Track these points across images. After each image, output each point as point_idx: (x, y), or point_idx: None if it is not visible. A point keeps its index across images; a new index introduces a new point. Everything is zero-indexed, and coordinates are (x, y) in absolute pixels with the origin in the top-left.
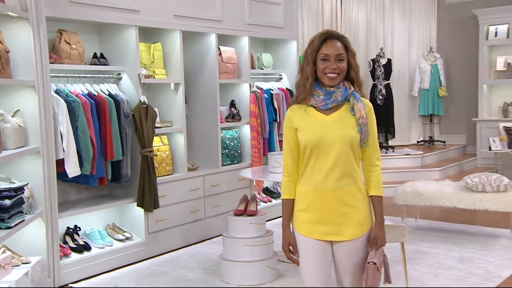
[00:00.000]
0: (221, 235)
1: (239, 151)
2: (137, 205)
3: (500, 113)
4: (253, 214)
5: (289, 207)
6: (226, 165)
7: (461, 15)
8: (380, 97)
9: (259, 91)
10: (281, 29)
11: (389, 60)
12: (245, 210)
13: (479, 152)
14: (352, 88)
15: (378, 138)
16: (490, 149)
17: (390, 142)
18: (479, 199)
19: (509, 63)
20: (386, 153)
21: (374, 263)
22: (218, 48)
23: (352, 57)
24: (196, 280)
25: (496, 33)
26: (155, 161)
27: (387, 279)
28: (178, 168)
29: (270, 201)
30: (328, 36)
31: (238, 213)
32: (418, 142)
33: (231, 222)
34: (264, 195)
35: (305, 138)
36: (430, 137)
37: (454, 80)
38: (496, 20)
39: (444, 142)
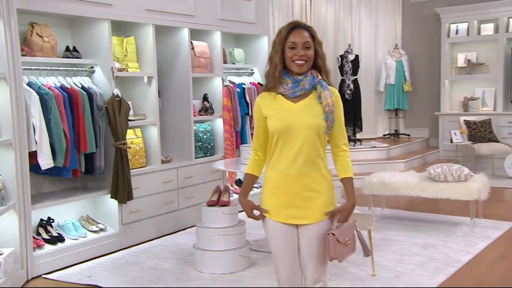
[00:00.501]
0: (194, 225)
1: (212, 144)
2: (111, 197)
3: (461, 107)
4: (226, 204)
5: (249, 181)
6: (199, 157)
7: (424, 13)
8: (348, 92)
9: (231, 85)
10: (253, 24)
11: (357, 56)
12: (218, 200)
13: (442, 144)
14: (320, 77)
15: (346, 132)
16: (451, 141)
17: (358, 136)
18: (441, 188)
19: (469, 60)
20: (354, 145)
21: (333, 234)
22: (191, 42)
23: (319, 45)
24: (169, 269)
25: (457, 31)
26: (128, 154)
27: (366, 253)
28: (152, 160)
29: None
30: (295, 26)
31: (211, 204)
32: (384, 135)
33: (205, 212)
34: (236, 186)
35: (273, 125)
36: (396, 131)
37: (417, 75)
38: (457, 19)
39: (409, 135)
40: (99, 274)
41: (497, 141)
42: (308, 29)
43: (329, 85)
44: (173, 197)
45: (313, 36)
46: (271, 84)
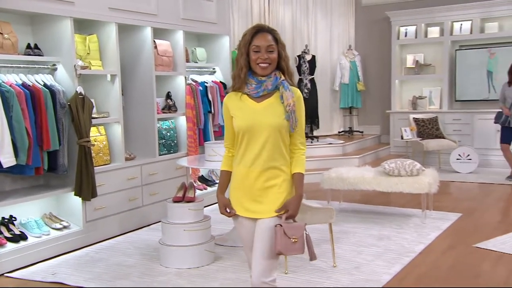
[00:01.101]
0: (158, 222)
1: (175, 141)
2: (75, 194)
3: (410, 105)
4: (191, 200)
5: (224, 177)
6: (163, 154)
7: (375, 16)
8: (306, 90)
9: (194, 83)
10: (214, 24)
11: (313, 57)
12: (184, 197)
13: (392, 141)
14: (283, 78)
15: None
16: (402, 138)
17: (315, 133)
18: (395, 182)
19: (417, 61)
20: (312, 142)
21: (281, 226)
22: (154, 41)
23: (282, 48)
24: (135, 265)
25: (406, 33)
26: (92, 151)
27: (312, 256)
28: (116, 158)
29: (205, 189)
30: (259, 29)
31: (177, 200)
32: (339, 132)
33: (170, 208)
34: (199, 183)
35: (237, 124)
36: (350, 128)
37: (370, 75)
38: (406, 22)
39: (362, 132)
40: (64, 271)
41: (443, 138)
42: (272, 32)
43: (292, 85)
44: (137, 194)
45: (276, 39)
46: (237, 85)
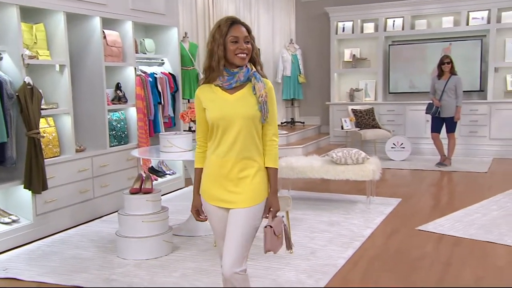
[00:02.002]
0: (110, 213)
1: (126, 133)
2: (24, 187)
3: (348, 97)
4: (149, 191)
5: (199, 175)
6: (113, 146)
7: (315, 11)
8: None
9: (143, 74)
10: (163, 16)
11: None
12: (141, 188)
13: (332, 131)
14: (254, 69)
15: None
16: (342, 128)
17: None
18: (342, 170)
19: (354, 55)
20: None
21: (271, 226)
22: (103, 31)
23: (253, 40)
24: (91, 257)
25: (343, 28)
26: (42, 143)
27: (289, 246)
28: (65, 149)
29: (156, 180)
30: (234, 21)
31: (134, 191)
32: (282, 123)
33: (127, 200)
34: (145, 173)
35: (210, 115)
36: (292, 119)
37: (310, 68)
38: (343, 17)
39: (303, 123)
40: (16, 266)
41: (379, 127)
42: (244, 24)
43: (263, 77)
44: (88, 185)
45: (248, 31)
46: (211, 76)
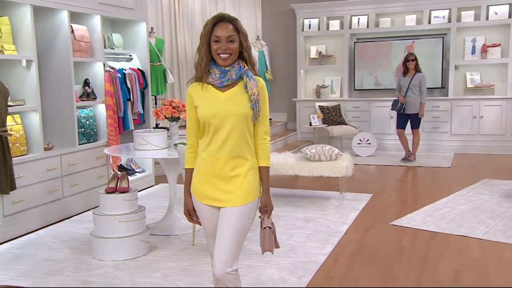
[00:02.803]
0: (80, 213)
1: (95, 130)
2: None
3: (314, 94)
4: (125, 191)
5: (189, 175)
6: (82, 144)
7: (281, 8)
8: None
9: (112, 70)
10: (131, 10)
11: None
12: (116, 187)
13: (299, 127)
14: (246, 67)
15: None
16: (310, 124)
17: None
18: (316, 167)
19: (320, 52)
20: None
21: (270, 228)
22: (71, 25)
23: (244, 38)
24: (65, 259)
25: (309, 25)
26: (9, 141)
27: (276, 245)
28: (33, 148)
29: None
30: (219, 19)
31: (110, 191)
32: None
33: (103, 199)
34: (119, 172)
35: (202, 113)
36: None
37: (277, 65)
38: (309, 15)
39: (271, 119)
40: None
41: (346, 124)
42: (233, 22)
43: (255, 75)
44: (57, 185)
45: (237, 29)
46: (199, 74)
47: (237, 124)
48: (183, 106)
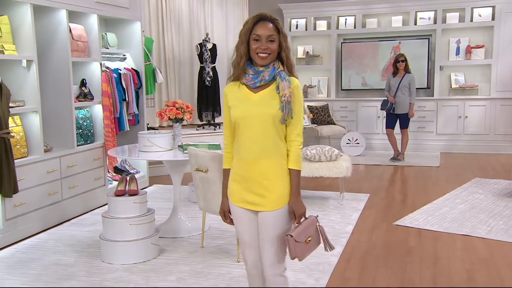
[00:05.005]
0: (79, 215)
1: (92, 131)
2: None
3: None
4: (135, 193)
5: (227, 176)
6: (80, 145)
7: (268, 8)
8: (208, 78)
9: (108, 70)
10: (126, 9)
11: (214, 45)
12: (125, 190)
13: None
14: (281, 68)
15: (206, 117)
16: None
17: (216, 120)
18: (316, 167)
19: (307, 52)
20: (215, 129)
21: (291, 236)
22: (69, 25)
23: (283, 39)
24: (74, 264)
25: (297, 25)
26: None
27: (327, 247)
28: (33, 150)
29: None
30: (261, 18)
31: (120, 194)
32: None
33: (112, 202)
34: (114, 174)
35: (234, 114)
36: None
37: None
38: (297, 15)
39: None
40: None
41: (334, 124)
42: (274, 21)
43: (291, 76)
44: (57, 187)
45: (278, 29)
46: (236, 73)
47: (267, 126)
48: (187, 107)
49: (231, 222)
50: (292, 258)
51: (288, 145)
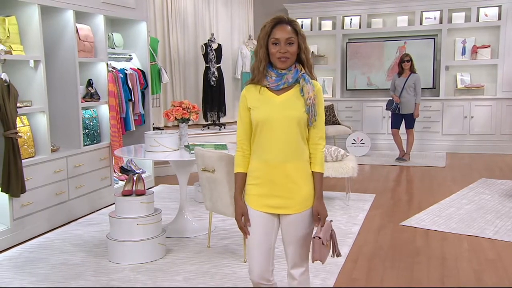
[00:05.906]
0: (86, 215)
1: (98, 131)
2: (2, 191)
3: None
4: (142, 193)
5: (241, 180)
6: (86, 145)
7: (273, 8)
8: (213, 78)
9: (114, 70)
10: (133, 9)
11: (219, 45)
12: (132, 189)
13: None
14: (303, 70)
15: (212, 117)
16: None
17: (222, 120)
18: None
19: (312, 52)
20: (220, 130)
21: (319, 238)
22: (75, 25)
23: (302, 40)
24: (82, 263)
25: (302, 25)
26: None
27: (336, 253)
28: (41, 150)
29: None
30: (278, 21)
31: (127, 194)
32: None
33: (120, 202)
34: (120, 173)
35: (256, 116)
36: None
37: None
38: (302, 15)
39: None
40: (0, 275)
41: (339, 124)
42: (292, 23)
43: (312, 79)
44: (64, 187)
45: (296, 31)
46: (256, 78)
47: (290, 129)
48: (194, 107)
49: (246, 229)
50: (314, 261)
51: (311, 148)
